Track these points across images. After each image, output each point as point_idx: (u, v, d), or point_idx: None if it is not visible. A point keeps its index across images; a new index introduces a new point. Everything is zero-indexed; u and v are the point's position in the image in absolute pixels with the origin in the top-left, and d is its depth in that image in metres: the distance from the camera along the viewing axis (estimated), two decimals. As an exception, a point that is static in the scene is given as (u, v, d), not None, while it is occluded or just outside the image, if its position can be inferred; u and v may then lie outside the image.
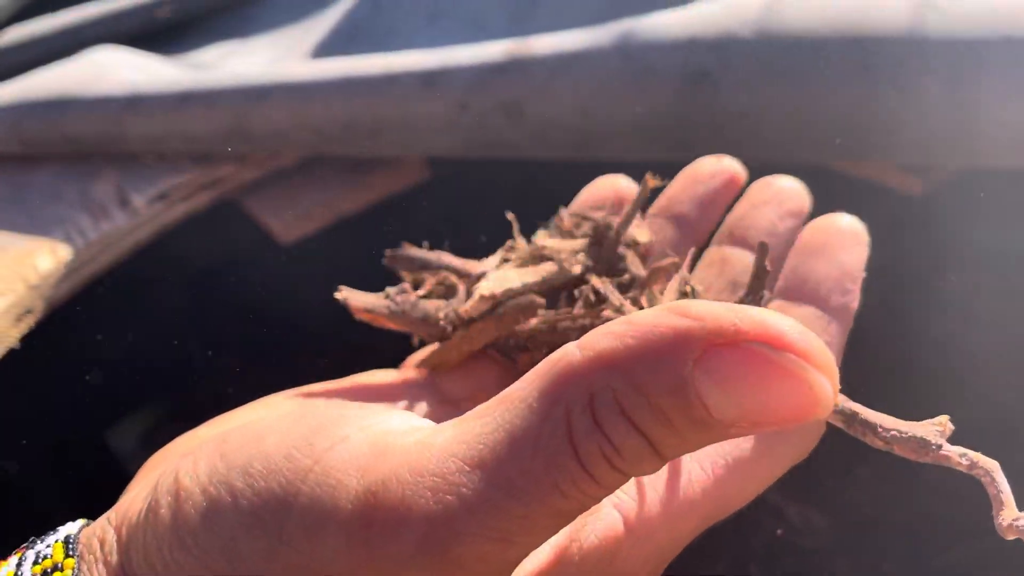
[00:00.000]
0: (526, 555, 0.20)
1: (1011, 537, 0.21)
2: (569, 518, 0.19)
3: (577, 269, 0.30)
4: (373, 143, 0.55)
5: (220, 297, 0.74)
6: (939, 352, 0.75)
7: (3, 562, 0.23)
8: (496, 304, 0.29)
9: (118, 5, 0.80)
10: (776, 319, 0.18)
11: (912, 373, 0.73)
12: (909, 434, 0.23)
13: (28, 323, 0.58)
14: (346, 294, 0.31)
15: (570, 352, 0.19)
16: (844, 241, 0.29)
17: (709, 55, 0.42)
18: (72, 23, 0.79)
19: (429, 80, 0.51)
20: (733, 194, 0.34)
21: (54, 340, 0.60)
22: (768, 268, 0.27)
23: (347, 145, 0.56)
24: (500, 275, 0.30)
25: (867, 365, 0.75)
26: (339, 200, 0.60)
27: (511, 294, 0.29)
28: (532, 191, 0.75)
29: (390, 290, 0.31)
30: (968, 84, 0.38)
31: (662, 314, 0.18)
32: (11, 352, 0.57)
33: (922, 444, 0.22)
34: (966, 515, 0.63)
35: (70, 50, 0.77)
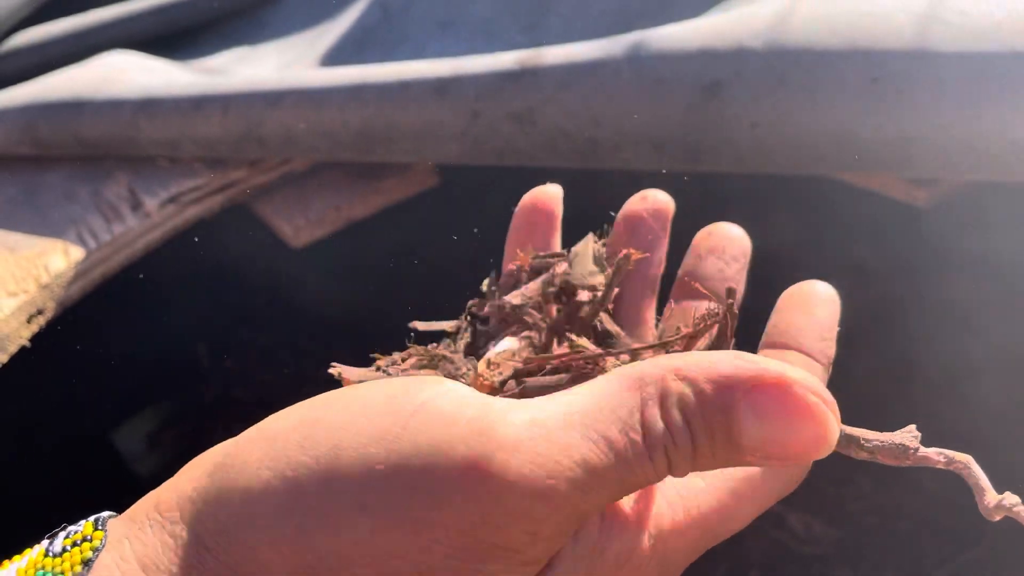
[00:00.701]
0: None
1: (997, 518, 0.24)
2: (619, 495, 0.23)
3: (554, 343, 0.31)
4: (385, 149, 0.55)
5: (230, 299, 0.74)
6: (938, 361, 0.75)
7: (32, 548, 0.24)
8: (510, 378, 0.29)
9: (131, 8, 0.80)
10: (802, 373, 0.23)
11: (912, 381, 0.74)
12: (889, 442, 0.25)
13: (39, 323, 0.59)
14: (339, 369, 0.31)
15: (645, 363, 0.24)
16: (820, 301, 0.33)
17: (721, 66, 0.43)
18: (84, 26, 0.80)
19: (442, 88, 0.51)
20: (663, 223, 0.36)
21: (64, 340, 0.60)
22: (736, 311, 0.29)
23: (360, 151, 0.57)
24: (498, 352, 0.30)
25: (868, 374, 0.76)
26: (350, 205, 0.61)
27: (522, 371, 0.29)
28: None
29: (381, 362, 0.32)
30: (976, 97, 0.38)
31: (725, 354, 0.23)
32: (22, 351, 0.58)
33: (902, 449, 0.25)
34: (968, 525, 0.64)
35: (82, 54, 0.77)
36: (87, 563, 0.23)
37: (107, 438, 0.79)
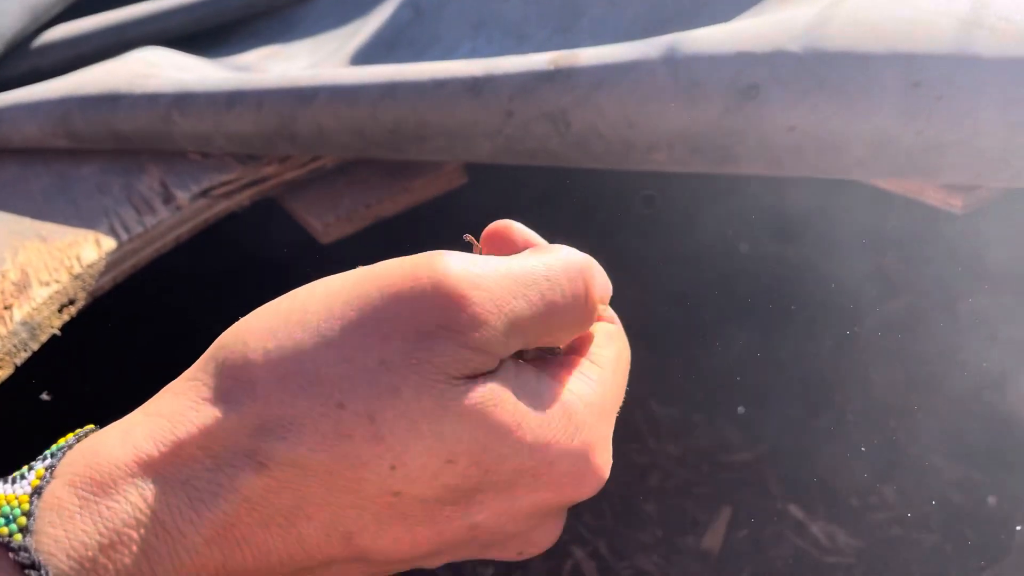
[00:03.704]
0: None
1: None
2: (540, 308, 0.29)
3: None
4: (417, 148, 0.56)
5: (258, 294, 0.75)
6: (964, 372, 0.75)
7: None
8: None
9: (163, 6, 0.81)
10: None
11: (937, 392, 0.73)
12: None
13: (70, 312, 0.59)
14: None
15: None
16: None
17: (758, 69, 0.43)
18: (117, 22, 0.81)
19: (476, 87, 0.52)
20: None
21: (94, 330, 0.61)
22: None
23: (392, 149, 0.57)
24: None
25: (891, 383, 0.75)
26: (380, 203, 0.61)
27: None
28: (562, 195, 0.76)
29: None
30: (1019, 103, 0.38)
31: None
32: (52, 340, 0.58)
33: None
34: (993, 539, 0.63)
35: (116, 50, 0.78)
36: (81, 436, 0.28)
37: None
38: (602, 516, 0.69)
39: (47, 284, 0.59)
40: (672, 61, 0.45)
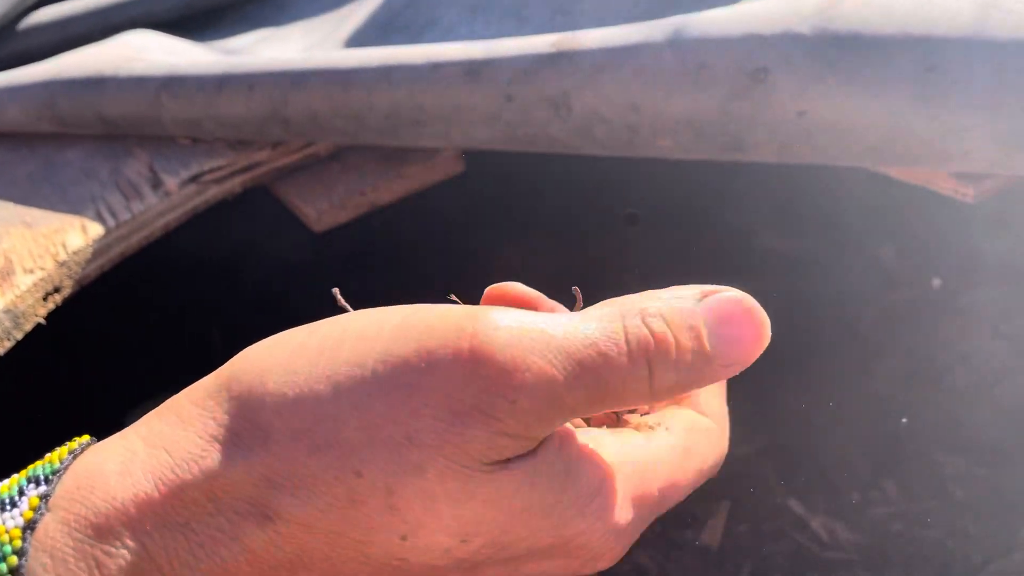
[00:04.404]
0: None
1: None
2: (599, 399, 0.26)
3: None
4: (413, 133, 0.54)
5: (247, 283, 0.73)
6: (966, 365, 0.74)
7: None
8: None
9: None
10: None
11: (939, 386, 0.72)
12: None
13: (55, 301, 0.58)
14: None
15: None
16: None
17: (767, 52, 0.41)
18: (106, 5, 0.79)
19: (474, 71, 0.50)
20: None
21: (80, 319, 0.59)
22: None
23: (387, 135, 0.55)
24: None
25: (893, 377, 0.74)
26: (375, 190, 0.60)
27: None
28: (562, 184, 0.74)
29: None
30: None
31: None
32: (37, 329, 0.57)
33: None
34: (997, 534, 0.62)
35: (104, 32, 0.76)
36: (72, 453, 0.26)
37: (120, 421, 0.78)
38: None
39: (31, 271, 0.57)
40: (678, 43, 0.44)
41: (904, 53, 0.39)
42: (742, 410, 0.80)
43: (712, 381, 0.27)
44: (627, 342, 0.25)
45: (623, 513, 0.28)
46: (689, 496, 0.71)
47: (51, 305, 0.57)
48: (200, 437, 0.26)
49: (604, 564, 0.28)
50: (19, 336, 0.55)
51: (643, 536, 0.74)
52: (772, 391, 0.74)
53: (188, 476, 0.25)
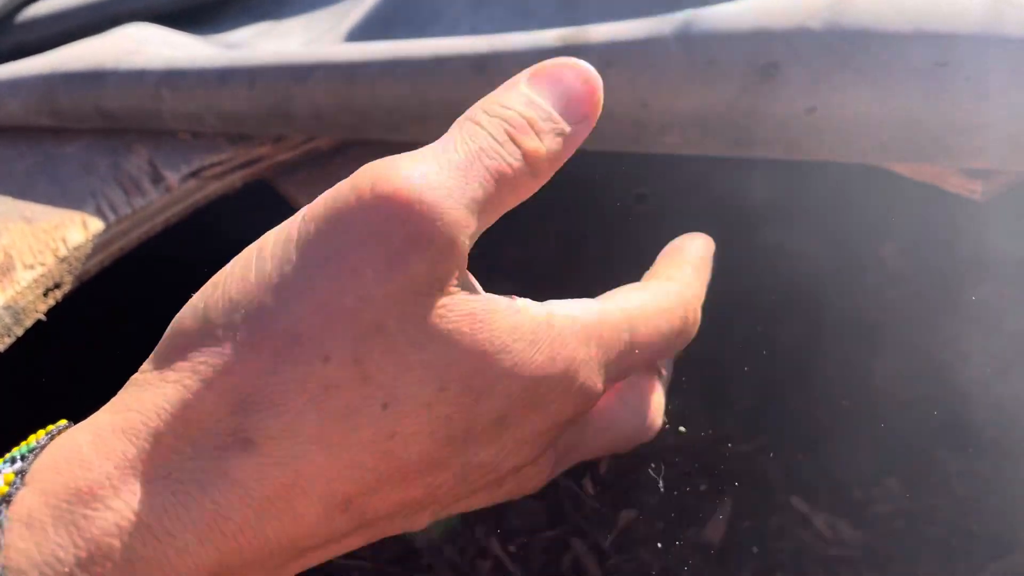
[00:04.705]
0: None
1: None
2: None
3: None
4: (418, 129, 0.54)
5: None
6: (968, 363, 0.74)
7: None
8: None
9: (152, -19, 0.79)
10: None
11: (940, 383, 0.72)
12: None
13: (56, 297, 0.57)
14: None
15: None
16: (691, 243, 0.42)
17: (777, 47, 0.41)
18: (104, -2, 0.78)
19: (480, 65, 0.50)
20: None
21: (82, 315, 0.59)
22: None
23: (391, 130, 0.55)
24: None
25: (893, 374, 0.74)
26: (378, 185, 0.59)
27: None
28: (564, 179, 0.74)
29: None
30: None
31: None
32: (37, 325, 0.56)
33: None
34: (1000, 532, 0.62)
35: (102, 26, 0.76)
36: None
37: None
38: (602, 508, 0.68)
39: (31, 267, 0.56)
40: (687, 38, 0.43)
41: (916, 48, 0.39)
42: (744, 407, 0.80)
43: (575, 142, 0.29)
44: (486, 136, 0.28)
45: (572, 350, 0.28)
46: (691, 493, 0.71)
47: (51, 301, 0.57)
48: (162, 388, 0.25)
49: (577, 405, 0.29)
50: (19, 332, 0.55)
51: (645, 533, 0.74)
52: (773, 388, 0.74)
53: (159, 424, 0.24)
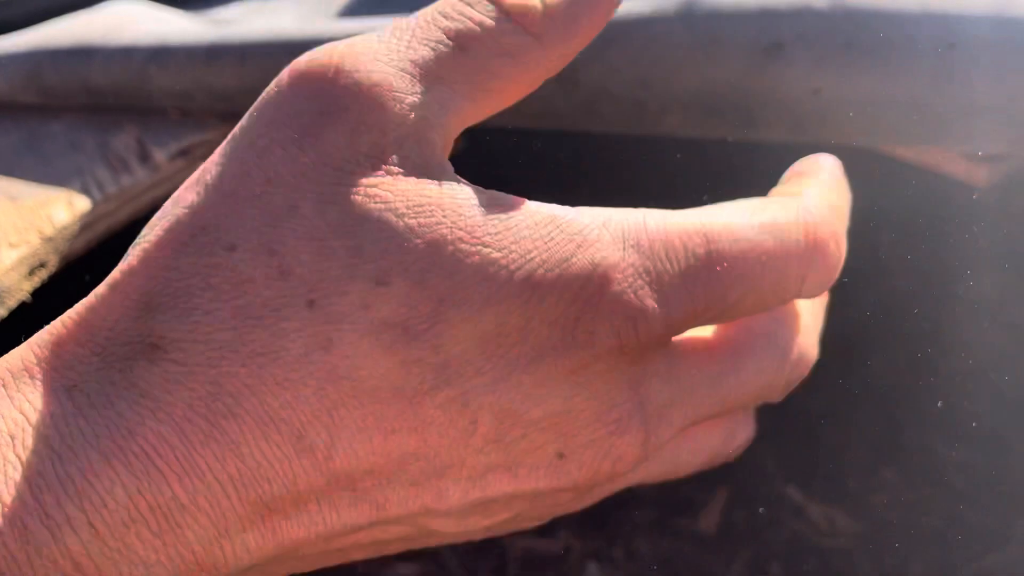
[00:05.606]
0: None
1: None
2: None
3: None
4: (412, 107, 0.53)
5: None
6: (964, 354, 0.73)
7: None
8: None
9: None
10: None
11: (936, 374, 0.72)
12: None
13: (41, 277, 0.56)
14: None
15: None
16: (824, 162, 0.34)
17: (783, 27, 0.40)
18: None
19: (476, 42, 0.49)
20: None
21: (68, 295, 0.57)
22: None
23: (384, 108, 0.54)
24: None
25: (889, 365, 0.73)
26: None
27: None
28: (566, 161, 0.73)
29: None
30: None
31: None
32: (22, 306, 0.55)
33: None
34: (996, 524, 0.62)
35: (88, 1, 0.74)
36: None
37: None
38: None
39: (16, 246, 0.55)
40: (690, 17, 0.42)
41: (923, 30, 0.38)
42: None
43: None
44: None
45: (635, 251, 0.22)
46: (685, 482, 0.70)
47: (36, 281, 0.56)
48: (77, 307, 0.23)
49: (647, 323, 0.21)
50: (3, 313, 0.53)
51: (639, 522, 0.73)
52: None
53: (63, 331, 0.22)
